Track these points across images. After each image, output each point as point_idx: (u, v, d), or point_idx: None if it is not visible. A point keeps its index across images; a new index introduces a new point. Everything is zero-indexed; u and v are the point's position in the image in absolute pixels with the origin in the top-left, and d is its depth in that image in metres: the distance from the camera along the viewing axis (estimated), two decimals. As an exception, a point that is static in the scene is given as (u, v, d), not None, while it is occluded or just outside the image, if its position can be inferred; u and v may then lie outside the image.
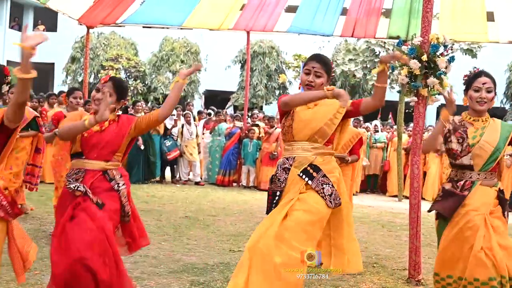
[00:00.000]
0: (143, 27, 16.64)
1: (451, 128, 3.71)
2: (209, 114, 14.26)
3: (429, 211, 3.87)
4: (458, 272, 3.60)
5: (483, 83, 3.64)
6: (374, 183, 13.54)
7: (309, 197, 3.47)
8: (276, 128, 11.99)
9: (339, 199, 3.54)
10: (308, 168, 3.55)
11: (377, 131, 13.68)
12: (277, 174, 3.62)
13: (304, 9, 11.30)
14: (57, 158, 6.24)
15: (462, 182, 3.67)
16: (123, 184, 3.64)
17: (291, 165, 3.58)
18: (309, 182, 3.51)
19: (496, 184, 3.71)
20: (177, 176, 12.64)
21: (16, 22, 28.69)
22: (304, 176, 3.52)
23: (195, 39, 24.12)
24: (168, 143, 12.07)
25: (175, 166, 12.61)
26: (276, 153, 12.09)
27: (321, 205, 3.47)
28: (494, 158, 3.63)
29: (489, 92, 3.65)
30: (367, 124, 13.89)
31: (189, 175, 12.72)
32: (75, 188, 3.47)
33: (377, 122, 14.19)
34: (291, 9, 11.80)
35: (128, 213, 3.70)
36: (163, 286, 4.62)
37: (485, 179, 3.65)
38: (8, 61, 25.57)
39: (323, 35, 12.18)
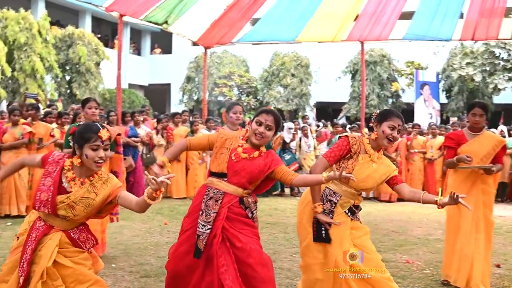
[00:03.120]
0: (253, 44, 17.13)
1: None
2: (318, 126, 14.32)
3: None
4: None
5: None
6: (502, 192, 12.84)
7: (358, 225, 4.08)
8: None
9: None
10: (352, 207, 4.01)
11: (504, 137, 12.98)
12: (324, 205, 3.92)
13: (421, 15, 11.05)
14: None
15: None
16: (255, 209, 3.78)
17: (337, 201, 3.93)
18: (351, 217, 4.00)
19: None
20: (296, 189, 12.75)
21: (135, 47, 30.50)
22: (349, 214, 3.98)
23: (305, 53, 24.31)
24: (287, 156, 12.23)
25: (294, 179, 12.73)
26: (396, 163, 11.87)
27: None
28: None
29: None
30: (493, 130, 13.23)
31: (308, 187, 12.80)
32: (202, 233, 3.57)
33: (502, 127, 13.47)
34: (407, 15, 11.58)
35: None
36: (302, 298, 4.68)
37: None
38: (130, 84, 27.22)
39: (441, 40, 11.81)
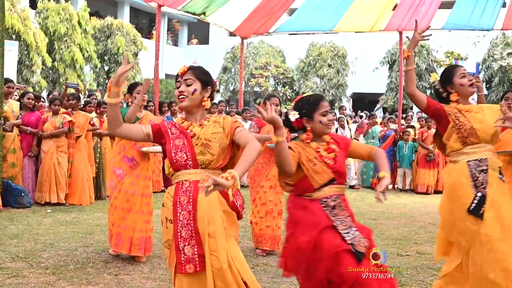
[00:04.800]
0: (289, 34, 17.08)
1: None
2: (360, 117, 14.20)
3: None
4: None
5: None
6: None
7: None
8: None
9: None
10: (499, 168, 3.73)
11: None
12: (479, 178, 3.64)
13: (462, 4, 10.84)
14: (257, 166, 5.81)
15: None
16: None
17: (487, 166, 3.66)
18: (502, 178, 3.71)
19: None
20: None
21: (172, 38, 30.74)
22: (502, 177, 3.70)
23: (341, 43, 24.09)
24: (323, 147, 12.17)
25: (329, 170, 12.67)
26: (433, 154, 11.69)
27: None
28: None
29: None
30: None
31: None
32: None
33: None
34: (447, 5, 11.36)
35: None
36: (336, 289, 4.67)
37: None
38: (166, 75, 27.47)
39: (482, 30, 11.57)
